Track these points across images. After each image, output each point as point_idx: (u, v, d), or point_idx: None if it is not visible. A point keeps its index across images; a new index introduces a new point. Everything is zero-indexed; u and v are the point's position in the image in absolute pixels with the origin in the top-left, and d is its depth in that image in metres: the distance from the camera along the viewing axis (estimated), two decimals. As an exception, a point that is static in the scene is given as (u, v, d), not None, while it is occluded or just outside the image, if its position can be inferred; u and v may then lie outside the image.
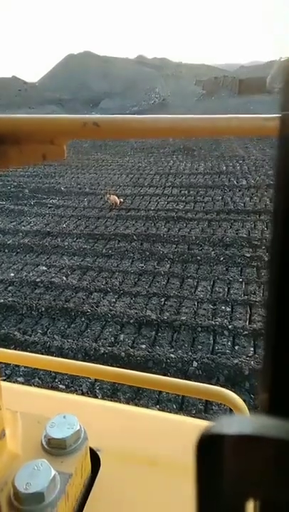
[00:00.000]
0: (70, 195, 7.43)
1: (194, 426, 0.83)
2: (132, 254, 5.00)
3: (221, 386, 2.79)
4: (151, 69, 36.79)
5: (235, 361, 3.03)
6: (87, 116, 0.43)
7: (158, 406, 2.74)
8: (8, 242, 5.53)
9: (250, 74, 31.97)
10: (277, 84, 28.43)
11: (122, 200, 6.73)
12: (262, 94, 23.45)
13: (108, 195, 6.94)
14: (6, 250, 5.33)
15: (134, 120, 0.42)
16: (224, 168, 8.66)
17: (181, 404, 2.76)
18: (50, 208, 6.83)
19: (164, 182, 7.90)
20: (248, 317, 3.65)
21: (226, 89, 26.77)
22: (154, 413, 1.04)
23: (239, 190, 7.11)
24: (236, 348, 3.26)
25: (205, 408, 2.72)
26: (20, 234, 5.81)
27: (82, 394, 2.87)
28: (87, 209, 6.69)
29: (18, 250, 5.32)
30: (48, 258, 5.08)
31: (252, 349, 3.23)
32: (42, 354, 3.20)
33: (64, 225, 6.05)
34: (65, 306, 3.92)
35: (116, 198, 6.75)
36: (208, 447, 0.19)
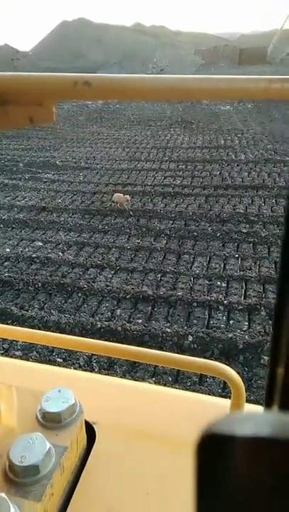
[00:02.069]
0: (66, 169, 7.30)
1: (189, 399, 0.84)
2: (128, 230, 4.97)
3: (216, 359, 2.84)
4: (149, 37, 35.42)
5: (230, 335, 3.08)
6: (77, 74, 0.40)
7: (154, 378, 2.80)
8: (3, 217, 5.47)
9: (250, 43, 30.88)
10: (279, 55, 27.54)
11: (128, 197, 5.63)
12: (263, 65, 22.74)
13: (110, 192, 5.90)
14: (1, 225, 5.28)
15: (129, 80, 0.39)
16: (222, 142, 8.50)
17: (177, 377, 2.82)
18: (45, 182, 6.72)
19: (161, 156, 7.76)
20: (243, 292, 3.68)
21: (225, 59, 25.91)
22: (149, 387, 1.05)
23: (237, 165, 7.01)
24: (231, 322, 3.30)
25: (200, 380, 2.78)
26: (16, 209, 5.74)
27: (80, 367, 2.92)
28: (83, 184, 6.59)
29: (14, 225, 5.27)
30: (43, 233, 5.05)
31: (246, 323, 3.28)
32: (39, 329, 3.23)
33: (60, 200, 5.98)
34: (62, 281, 3.93)
35: (121, 196, 5.64)
36: (209, 448, 0.17)
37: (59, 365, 2.94)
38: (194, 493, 0.18)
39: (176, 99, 0.41)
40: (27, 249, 4.63)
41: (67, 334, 3.19)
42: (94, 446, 0.69)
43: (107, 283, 3.91)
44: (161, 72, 23.38)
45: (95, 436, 0.70)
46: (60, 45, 31.00)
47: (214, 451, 0.17)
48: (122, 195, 5.69)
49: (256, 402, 2.55)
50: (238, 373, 0.76)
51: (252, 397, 2.55)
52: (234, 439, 0.16)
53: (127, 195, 5.67)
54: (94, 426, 0.72)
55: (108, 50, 29.78)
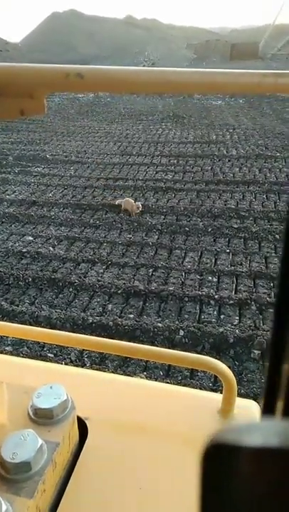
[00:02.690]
0: (56, 163, 7.23)
1: (181, 394, 0.85)
2: (119, 225, 4.95)
3: (207, 353, 2.85)
4: (141, 30, 35.13)
5: (221, 330, 3.10)
6: (70, 66, 0.39)
7: (145, 373, 2.81)
8: (-7, 212, 5.40)
9: (242, 38, 30.85)
10: (270, 50, 27.57)
11: (140, 204, 5.10)
12: (255, 60, 22.74)
13: (120, 200, 5.25)
14: (-9, 220, 5.22)
15: (123, 72, 0.38)
16: (214, 137, 8.50)
17: (168, 371, 2.84)
18: (35, 176, 6.65)
19: (152, 151, 7.73)
20: (234, 287, 3.70)
21: (217, 54, 25.84)
22: (141, 382, 1.05)
23: (229, 161, 7.02)
24: (222, 317, 3.32)
25: (191, 374, 2.80)
26: (5, 203, 5.67)
27: (71, 362, 2.92)
28: (74, 178, 6.54)
29: (3, 220, 5.21)
30: (34, 228, 5.00)
31: (237, 318, 3.30)
32: (30, 324, 3.22)
33: (50, 195, 5.92)
34: (53, 276, 3.91)
35: (132, 202, 5.09)
36: (215, 457, 0.16)
37: (50, 361, 2.93)
38: (199, 502, 0.18)
39: (170, 93, 0.41)
40: (17, 244, 4.58)
41: (59, 329, 3.18)
42: (86, 442, 0.69)
43: (99, 278, 3.90)
44: (152, 66, 23.24)
45: (87, 432, 0.70)
46: (50, 37, 30.56)
47: (220, 461, 0.16)
48: (132, 201, 5.07)
49: (247, 395, 2.58)
50: (229, 367, 0.76)
51: (242, 391, 2.58)
52: (241, 449, 0.16)
53: (139, 203, 5.06)
54: (86, 421, 0.71)
55: (99, 42, 29.47)
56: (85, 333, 3.16)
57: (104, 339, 0.83)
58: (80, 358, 2.95)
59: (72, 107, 12.06)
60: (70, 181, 6.39)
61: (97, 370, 2.82)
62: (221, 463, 0.17)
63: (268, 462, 0.15)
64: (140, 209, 5.07)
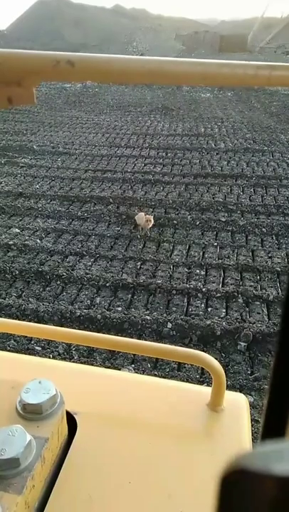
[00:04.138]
0: (43, 154, 7.12)
1: (170, 387, 0.85)
2: (108, 218, 4.92)
3: (194, 346, 2.86)
4: (129, 20, 34.65)
5: (208, 322, 3.13)
6: (60, 53, 0.37)
7: (133, 365, 2.82)
8: (-21, 203, 5.30)
9: (231, 30, 30.73)
10: (259, 43, 27.54)
11: (151, 218, 4.55)
12: (243, 53, 22.70)
13: (138, 213, 4.70)
14: (-24, 211, 5.12)
15: (115, 61, 0.37)
16: (202, 130, 8.48)
17: (156, 364, 2.85)
18: (22, 167, 6.54)
19: (141, 143, 7.68)
20: (221, 280, 3.73)
21: (206, 46, 25.69)
22: (130, 376, 1.05)
23: (217, 154, 7.03)
24: (209, 309, 3.35)
25: (178, 367, 2.82)
26: (-9, 194, 5.57)
27: (59, 355, 2.91)
28: (61, 169, 6.45)
29: (-11, 212, 5.12)
30: (20, 220, 4.93)
31: (224, 311, 3.33)
32: (17, 317, 3.19)
33: (37, 186, 5.84)
34: (40, 269, 3.87)
35: (143, 216, 4.56)
36: (237, 485, 0.14)
37: (38, 354, 2.91)
38: None
39: (163, 83, 0.40)
40: (3, 236, 4.52)
41: (46, 322, 3.17)
42: (75, 437, 0.68)
43: (87, 271, 3.88)
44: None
45: (77, 427, 0.70)
46: (37, 24, 29.87)
47: (242, 489, 0.14)
48: (143, 214, 4.60)
49: (233, 387, 2.62)
50: (216, 359, 0.77)
51: (229, 383, 2.62)
52: (269, 477, 0.14)
53: (149, 216, 4.58)
54: (75, 416, 0.71)
55: (87, 31, 28.95)
56: (73, 326, 3.15)
57: (93, 333, 0.83)
58: (68, 351, 2.95)
59: (60, 97, 11.86)
60: (58, 173, 6.31)
61: (85, 363, 2.82)
62: (244, 491, 0.14)
63: None
64: (152, 223, 4.51)
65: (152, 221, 4.55)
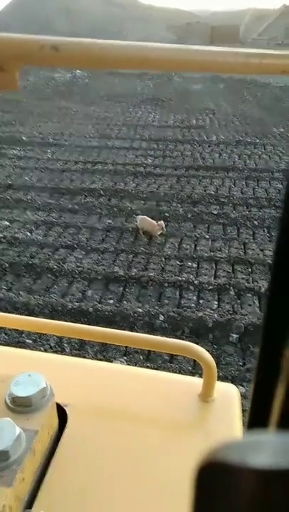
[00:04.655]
0: (32, 145, 7.02)
1: (161, 379, 0.85)
2: (99, 210, 4.88)
3: (186, 338, 2.86)
4: (119, 9, 34.17)
5: (200, 314, 3.14)
6: (44, 37, 0.35)
7: (125, 357, 2.82)
8: None
9: (223, 21, 30.49)
10: (250, 35, 27.44)
11: (162, 223, 4.15)
12: (234, 44, 22.57)
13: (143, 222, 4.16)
14: None
15: (102, 46, 0.35)
16: (194, 121, 8.44)
17: (148, 355, 2.86)
18: (11, 159, 6.44)
19: (132, 134, 7.62)
20: (213, 273, 3.74)
21: (197, 37, 25.50)
22: (120, 368, 1.05)
23: (208, 146, 7.01)
24: (201, 302, 3.36)
25: (170, 358, 2.83)
26: (-20, 186, 5.48)
27: (50, 348, 2.89)
28: (51, 161, 6.37)
29: (-22, 204, 5.05)
30: (10, 212, 4.87)
31: (216, 303, 3.35)
32: (7, 310, 3.15)
33: (27, 178, 5.76)
34: (30, 262, 3.83)
35: (151, 221, 4.14)
36: (212, 478, 0.14)
37: (29, 347, 2.90)
38: None
39: (151, 69, 0.38)
40: (-7, 229, 4.46)
41: (37, 315, 3.14)
42: (65, 429, 0.68)
43: (78, 264, 3.85)
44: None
45: (67, 419, 0.69)
46: (24, 12, 29.29)
47: (218, 481, 0.14)
48: (150, 219, 4.11)
49: (225, 378, 2.64)
50: (208, 351, 0.77)
51: (221, 374, 2.63)
52: (244, 469, 0.13)
53: (161, 221, 4.12)
54: (65, 408, 0.70)
55: (76, 21, 28.50)
56: (64, 319, 3.13)
57: (85, 326, 0.82)
58: (60, 344, 2.93)
59: (49, 86, 11.68)
60: (47, 164, 6.23)
61: (76, 355, 2.81)
62: (219, 483, 0.14)
63: (276, 486, 0.13)
64: (164, 229, 4.10)
65: (164, 227, 4.08)
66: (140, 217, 4.24)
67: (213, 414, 0.73)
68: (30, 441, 0.58)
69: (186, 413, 0.73)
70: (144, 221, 4.14)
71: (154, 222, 4.14)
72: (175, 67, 0.40)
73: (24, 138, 7.28)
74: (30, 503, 0.57)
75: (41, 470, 0.61)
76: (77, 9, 30.32)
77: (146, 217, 4.22)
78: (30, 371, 0.66)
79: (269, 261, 3.86)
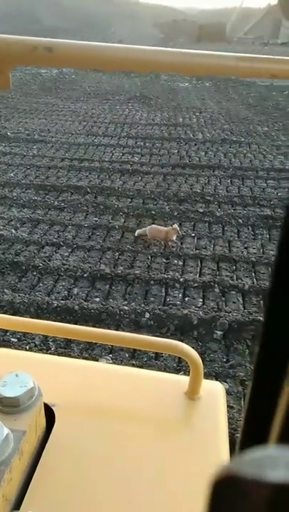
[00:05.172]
0: (18, 141, 6.92)
1: (147, 377, 0.86)
2: (85, 208, 4.86)
3: (171, 335, 2.88)
4: (107, 5, 33.88)
5: (185, 312, 3.17)
6: (37, 38, 0.36)
7: (111, 355, 2.83)
8: None
9: (209, 19, 30.55)
10: (237, 34, 27.58)
11: (176, 227, 3.95)
12: (221, 43, 22.67)
13: (140, 230, 4.08)
14: None
15: (95, 48, 0.36)
16: (181, 120, 8.46)
17: (133, 353, 2.87)
18: (-4, 155, 6.34)
19: (119, 132, 7.59)
20: (198, 270, 3.78)
21: (184, 34, 25.50)
22: (107, 367, 1.05)
23: (195, 144, 7.05)
24: (186, 299, 3.39)
25: (156, 356, 2.85)
26: None
27: (35, 346, 2.88)
28: (37, 157, 6.30)
29: None
30: (-5, 209, 4.80)
31: (201, 300, 3.38)
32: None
33: (12, 175, 5.69)
34: (16, 259, 3.79)
35: (162, 228, 3.98)
36: (228, 492, 0.14)
37: (14, 346, 2.87)
38: None
39: (142, 71, 0.39)
40: (-23, 226, 4.39)
41: (22, 314, 3.12)
42: (54, 428, 0.68)
43: (64, 261, 3.84)
44: (119, 43, 22.52)
45: (55, 419, 0.70)
46: (12, 6, 28.74)
47: (233, 496, 0.14)
48: (160, 227, 3.93)
49: (209, 374, 2.67)
50: (193, 348, 0.78)
51: (205, 370, 2.67)
52: (260, 484, 0.13)
53: (175, 225, 3.92)
54: (53, 408, 0.71)
55: (64, 16, 28.13)
56: (49, 318, 3.12)
57: (70, 325, 0.82)
58: (45, 343, 2.92)
59: (35, 82, 11.52)
60: (33, 161, 6.16)
61: (62, 354, 2.80)
62: (234, 498, 0.14)
63: None
64: (179, 232, 3.90)
65: (178, 231, 3.87)
66: (149, 227, 4.02)
67: (199, 412, 0.75)
68: (18, 441, 0.58)
69: (173, 411, 0.75)
70: (153, 231, 3.95)
71: (165, 228, 3.97)
72: (166, 70, 0.40)
73: (9, 134, 7.18)
74: (18, 503, 0.58)
75: (29, 470, 0.62)
76: (66, 4, 29.94)
77: (155, 226, 4.01)
78: (18, 371, 0.66)
79: (253, 258, 3.92)
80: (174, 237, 3.91)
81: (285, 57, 0.36)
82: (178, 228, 3.94)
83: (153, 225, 4.08)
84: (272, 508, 0.13)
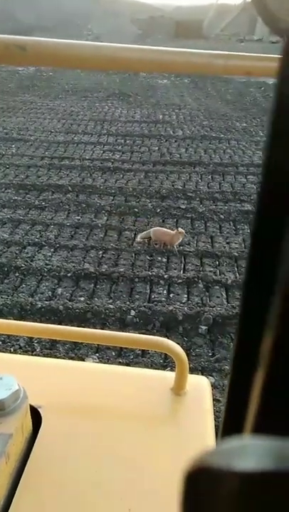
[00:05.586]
0: (-4, 140, 6.79)
1: (134, 375, 0.86)
2: (67, 207, 4.82)
3: (157, 331, 2.89)
4: (85, 2, 33.50)
5: (170, 308, 3.19)
6: (9, 36, 0.35)
7: (97, 354, 2.82)
8: None
9: (186, 16, 30.59)
10: (214, 30, 27.72)
11: (182, 230, 3.90)
12: (198, 40, 22.74)
13: (143, 233, 4.00)
14: None
15: (71, 46, 0.36)
16: (160, 116, 8.47)
17: (120, 351, 2.87)
18: (-27, 154, 6.21)
19: (99, 129, 7.54)
20: (182, 267, 3.80)
21: (162, 31, 25.47)
22: (93, 366, 1.05)
23: (175, 141, 7.07)
24: (171, 295, 3.41)
25: (142, 353, 2.86)
26: None
27: (20, 348, 2.84)
28: (16, 156, 6.20)
29: None
30: (-26, 210, 4.70)
31: (185, 296, 3.41)
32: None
33: (-9, 174, 5.58)
34: (-3, 261, 3.73)
35: (167, 230, 3.94)
36: (201, 483, 0.14)
37: (-2, 348, 2.83)
38: None
39: (117, 69, 0.39)
40: None
41: (5, 316, 3.07)
42: (40, 430, 0.68)
43: (47, 261, 3.80)
44: (96, 40, 22.36)
45: (41, 420, 0.69)
46: (-17, 1, 28.05)
47: (206, 486, 0.14)
48: (165, 229, 3.88)
49: (195, 369, 2.70)
50: (178, 343, 0.79)
51: (191, 365, 2.69)
52: (230, 474, 0.13)
53: (180, 228, 3.87)
54: (39, 410, 0.70)
55: (41, 12, 27.64)
56: (34, 319, 3.08)
57: (56, 326, 0.82)
58: (30, 344, 2.89)
59: (12, 80, 11.31)
60: (12, 160, 6.06)
61: (48, 354, 2.78)
62: (207, 489, 0.14)
63: (262, 487, 0.13)
64: (184, 236, 3.85)
65: (183, 233, 3.83)
66: (153, 229, 3.95)
67: (186, 407, 0.75)
68: (4, 445, 0.57)
69: (159, 407, 0.75)
70: (158, 233, 3.88)
71: (170, 231, 3.90)
72: (141, 68, 0.41)
73: (-14, 132, 7.03)
74: (6, 507, 0.57)
75: (16, 473, 0.61)
76: (43, 1, 29.42)
77: (160, 228, 3.96)
78: (2, 373, 0.65)
79: (236, 253, 3.97)
80: (179, 241, 3.83)
81: (260, 55, 0.37)
82: (184, 231, 3.87)
83: (157, 227, 3.99)
84: (243, 497, 0.14)
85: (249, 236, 4.45)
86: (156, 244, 3.92)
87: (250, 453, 0.14)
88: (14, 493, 0.59)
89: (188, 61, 0.36)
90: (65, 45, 0.36)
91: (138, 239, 4.03)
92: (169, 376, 0.79)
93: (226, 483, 0.14)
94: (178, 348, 0.74)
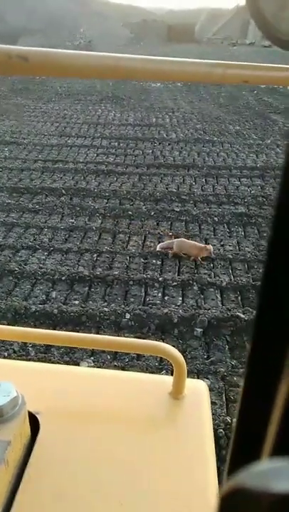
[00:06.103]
0: (-11, 143, 6.76)
1: (131, 379, 0.86)
2: (61, 210, 4.80)
3: (152, 335, 2.89)
4: (75, 5, 33.58)
5: (165, 311, 3.19)
6: (11, 47, 0.35)
7: (92, 358, 2.81)
8: None
9: (179, 20, 30.81)
10: (206, 34, 27.95)
11: (210, 247, 3.81)
12: (191, 43, 22.91)
13: (164, 243, 3.95)
14: None
15: (72, 57, 0.36)
16: (154, 120, 8.50)
17: (115, 355, 2.86)
18: None
19: (92, 132, 7.54)
20: (177, 269, 3.81)
21: (154, 35, 25.61)
22: (91, 370, 1.05)
23: (169, 144, 7.09)
24: (166, 298, 3.41)
25: (138, 356, 2.85)
26: None
27: (14, 353, 2.82)
28: (9, 160, 6.18)
29: None
30: None
31: (180, 299, 3.41)
32: None
33: (-16, 178, 5.55)
34: (-9, 265, 3.70)
35: (193, 243, 3.88)
36: (234, 505, 0.14)
37: (-8, 353, 2.81)
38: None
39: (118, 78, 0.40)
40: None
41: None
42: (38, 436, 0.67)
43: (41, 265, 3.78)
44: (89, 44, 22.39)
45: (39, 426, 0.69)
46: (-25, 3, 28.00)
47: (242, 508, 0.14)
48: (191, 242, 3.82)
49: (191, 371, 2.70)
50: (174, 346, 0.79)
51: (187, 368, 2.69)
52: (266, 496, 0.13)
53: (209, 245, 3.81)
54: (37, 416, 0.70)
55: (31, 14, 27.65)
56: (28, 323, 3.06)
57: (52, 331, 0.82)
58: (24, 348, 2.87)
59: (4, 83, 11.28)
60: (5, 163, 6.03)
61: (42, 359, 2.76)
62: (243, 510, 0.14)
63: None
64: (211, 254, 3.74)
65: (211, 250, 3.72)
66: (177, 240, 3.86)
67: (184, 411, 0.75)
68: (3, 451, 0.57)
69: (158, 412, 0.75)
70: (185, 245, 3.79)
71: (196, 243, 3.83)
72: (143, 77, 0.41)
73: (-21, 135, 7.00)
74: None
75: (15, 480, 0.61)
76: (33, 3, 29.43)
77: (184, 240, 3.87)
78: (0, 380, 0.65)
79: (230, 256, 3.98)
80: (204, 256, 3.77)
81: (257, 64, 0.38)
82: (212, 249, 3.75)
83: (182, 239, 3.90)
84: None
85: (243, 238, 4.44)
86: (184, 254, 3.81)
87: (286, 474, 0.14)
88: (13, 499, 0.58)
89: (189, 70, 0.37)
90: (68, 55, 0.36)
91: (158, 248, 3.94)
92: (167, 380, 0.79)
93: (262, 505, 0.13)
94: (176, 353, 0.74)
